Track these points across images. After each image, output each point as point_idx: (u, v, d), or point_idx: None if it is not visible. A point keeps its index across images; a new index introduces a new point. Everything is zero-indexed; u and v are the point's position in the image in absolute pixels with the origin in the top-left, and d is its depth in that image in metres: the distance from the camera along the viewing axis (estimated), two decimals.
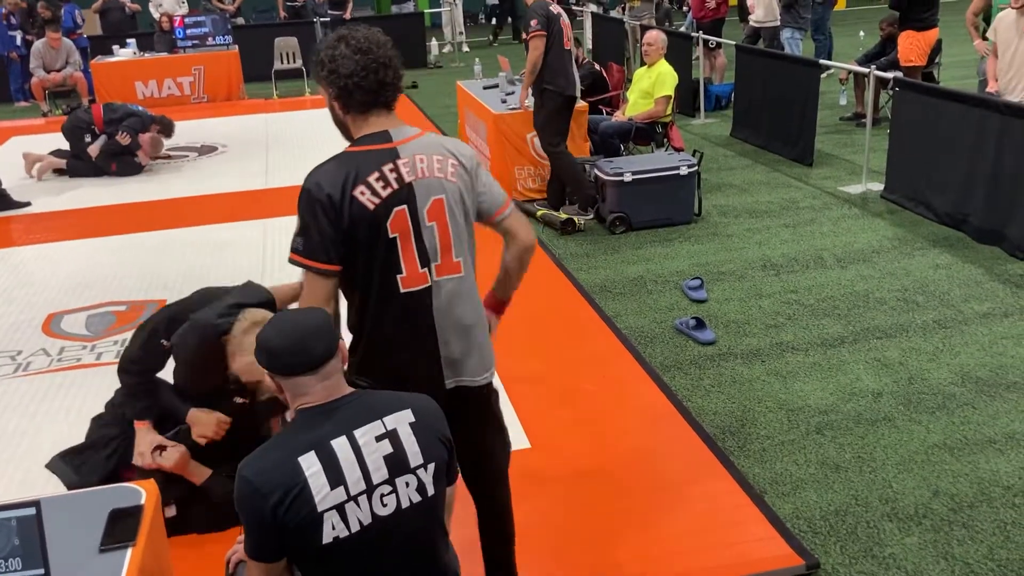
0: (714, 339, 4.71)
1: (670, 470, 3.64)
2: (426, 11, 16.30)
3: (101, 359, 4.75)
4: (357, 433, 2.01)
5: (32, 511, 1.92)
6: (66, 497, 2.25)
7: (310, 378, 2.03)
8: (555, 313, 5.15)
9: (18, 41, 12.60)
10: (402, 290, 2.39)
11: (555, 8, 6.30)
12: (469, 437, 2.59)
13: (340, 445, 1.99)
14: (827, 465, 3.61)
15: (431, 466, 2.07)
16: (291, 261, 2.37)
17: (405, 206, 2.36)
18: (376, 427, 2.04)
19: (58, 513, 2.13)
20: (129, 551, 2.07)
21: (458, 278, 2.49)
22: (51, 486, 3.52)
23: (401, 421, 2.07)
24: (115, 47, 12.38)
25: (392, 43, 2.45)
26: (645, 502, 3.44)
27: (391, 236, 2.35)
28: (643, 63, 7.53)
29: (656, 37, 7.35)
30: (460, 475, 2.35)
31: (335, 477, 1.96)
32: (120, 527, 2.13)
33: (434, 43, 15.02)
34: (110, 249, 6.58)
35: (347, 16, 14.13)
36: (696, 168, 6.40)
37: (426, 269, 2.41)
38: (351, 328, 2.51)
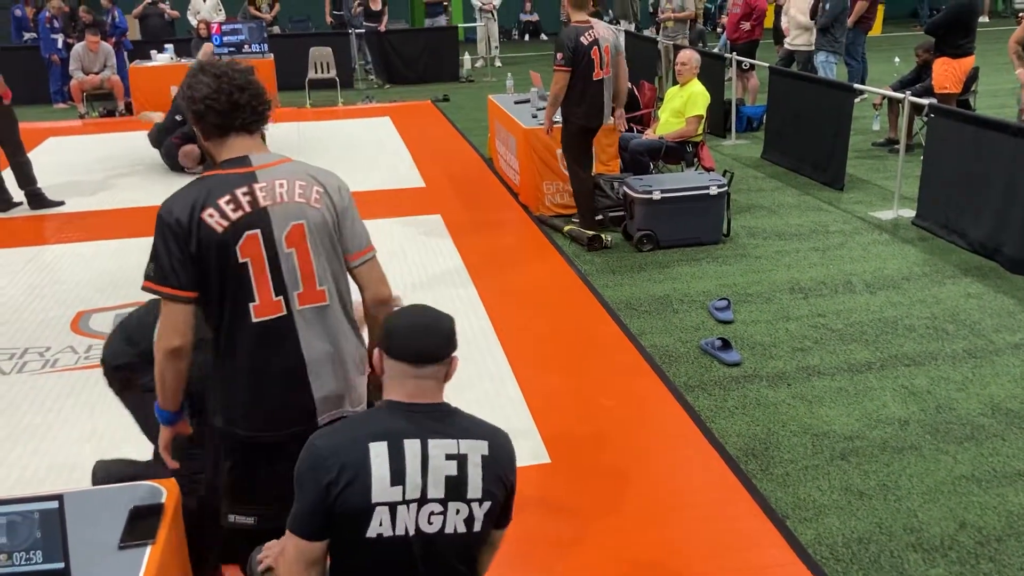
0: (740, 360, 4.67)
1: (691, 491, 3.60)
2: (460, 25, 16.38)
3: None
4: (431, 443, 2.00)
5: (55, 505, 1.94)
6: (88, 492, 2.26)
7: (406, 368, 2.03)
8: (579, 328, 5.13)
9: (59, 44, 12.81)
10: (254, 319, 2.31)
11: (590, 36, 6.09)
12: None
13: (412, 447, 1.98)
14: (851, 492, 3.56)
15: (486, 504, 2.05)
16: (144, 288, 2.30)
17: (258, 231, 2.30)
18: (450, 445, 2.02)
19: (80, 508, 2.14)
20: (148, 549, 2.07)
21: (323, 307, 2.39)
22: (74, 480, 3.55)
23: (475, 450, 2.04)
24: (153, 52, 12.56)
25: (253, 71, 2.43)
26: (664, 522, 3.41)
27: (241, 260, 2.29)
28: (675, 82, 7.52)
29: (690, 57, 7.34)
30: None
31: (398, 474, 1.95)
32: (140, 525, 2.14)
33: (467, 57, 15.10)
34: (140, 249, 6.61)
35: (382, 28, 14.24)
36: (726, 188, 6.37)
37: (281, 297, 2.33)
38: (215, 371, 2.41)
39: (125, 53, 13.01)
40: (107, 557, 2.04)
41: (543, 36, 20.53)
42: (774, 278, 5.80)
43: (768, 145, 8.93)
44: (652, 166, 7.38)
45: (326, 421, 2.39)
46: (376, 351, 2.11)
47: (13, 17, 14.41)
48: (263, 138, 2.48)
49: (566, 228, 6.66)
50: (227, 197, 2.28)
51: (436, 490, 1.99)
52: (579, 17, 6.22)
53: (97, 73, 12.12)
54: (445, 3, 15.99)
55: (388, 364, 2.06)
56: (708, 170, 7.12)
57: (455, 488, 2.01)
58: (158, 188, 8.38)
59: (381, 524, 1.94)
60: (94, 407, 4.27)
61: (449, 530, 2.01)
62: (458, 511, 2.01)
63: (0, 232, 7.25)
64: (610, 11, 15.09)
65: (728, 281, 5.77)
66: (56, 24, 12.89)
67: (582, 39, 6.10)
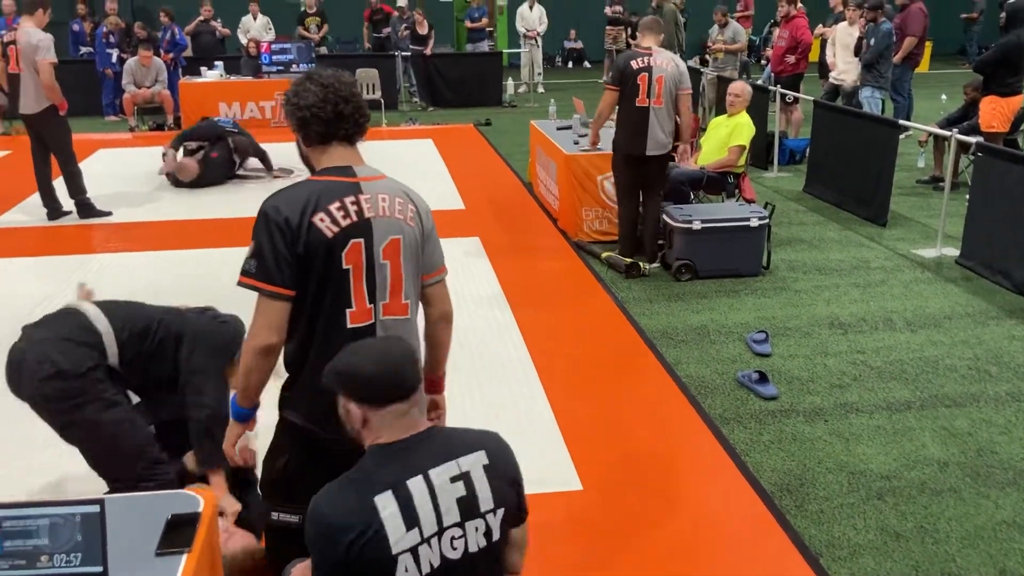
0: (776, 394, 4.62)
1: (723, 524, 3.56)
2: (505, 51, 16.52)
3: None
4: (432, 473, 1.98)
5: (96, 509, 1.96)
6: (128, 498, 2.29)
7: (401, 406, 2.01)
8: (614, 356, 5.12)
9: (113, 58, 13.13)
10: (349, 325, 2.36)
11: (643, 62, 6.10)
12: None
13: (416, 485, 1.96)
14: (887, 532, 3.50)
15: (500, 511, 2.05)
16: (241, 284, 2.33)
17: (362, 240, 2.35)
18: (451, 468, 2.01)
19: (120, 513, 2.17)
20: (184, 557, 2.09)
21: (404, 320, 2.46)
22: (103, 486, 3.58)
23: (475, 464, 2.04)
24: (203, 68, 12.82)
25: (356, 84, 2.49)
26: (695, 555, 3.37)
27: (344, 267, 2.34)
28: (718, 113, 7.51)
29: (743, 89, 7.33)
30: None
31: (411, 519, 1.93)
32: (177, 533, 2.16)
33: (510, 82, 15.21)
34: (181, 261, 6.76)
35: (427, 52, 14.42)
36: (767, 221, 6.34)
37: (372, 306, 2.39)
38: (288, 362, 2.45)
39: (180, 69, 13.28)
40: (144, 563, 2.06)
41: (587, 63, 20.62)
42: (814, 312, 5.75)
43: (811, 179, 8.88)
44: (692, 196, 7.36)
45: None
46: (352, 405, 2.03)
47: (71, 32, 14.80)
48: None
49: (604, 255, 6.66)
50: (337, 204, 2.33)
51: (451, 516, 1.98)
52: (644, 43, 6.26)
53: (148, 87, 12.39)
54: (489, 29, 16.15)
55: (377, 414, 2.00)
56: (749, 202, 7.09)
57: (468, 507, 2.00)
58: (202, 202, 8.53)
59: (407, 570, 1.92)
60: None
61: (472, 548, 2.00)
62: (476, 528, 2.01)
63: (48, 239, 7.42)
64: None
65: (767, 314, 5.73)
66: (112, 39, 13.23)
67: (632, 63, 6.14)
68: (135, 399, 3.21)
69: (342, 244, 2.32)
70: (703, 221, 6.24)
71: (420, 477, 1.97)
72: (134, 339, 3.11)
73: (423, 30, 14.37)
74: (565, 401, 4.53)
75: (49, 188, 7.84)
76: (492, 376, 4.81)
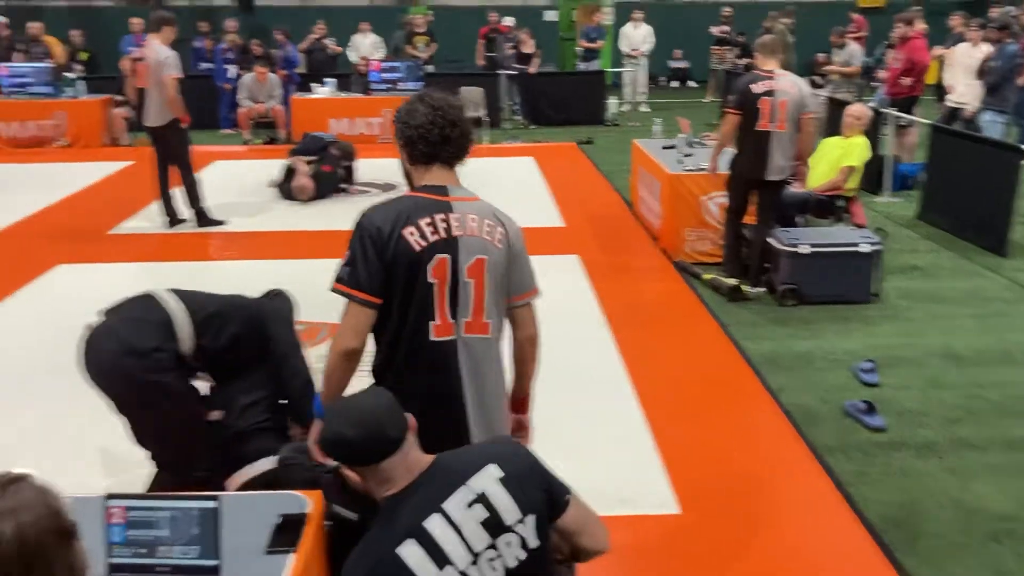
0: (885, 426, 4.46)
1: (826, 556, 3.46)
2: (609, 70, 16.52)
3: None
4: (447, 507, 1.96)
5: (213, 504, 2.04)
6: (241, 497, 2.38)
7: (393, 460, 2.00)
8: (716, 380, 5.03)
9: (231, 74, 13.68)
10: (432, 338, 2.43)
11: (764, 85, 5.95)
12: None
13: (435, 524, 1.94)
14: None
15: (530, 518, 2.01)
16: (334, 290, 2.44)
17: (448, 256, 2.42)
18: (464, 494, 1.98)
19: (233, 511, 2.24)
20: (292, 556, 2.15)
21: (485, 339, 2.51)
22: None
23: (488, 480, 2.01)
24: (314, 85, 13.22)
25: (464, 109, 2.57)
26: None
27: (430, 281, 2.41)
28: (830, 135, 7.33)
29: (863, 112, 7.14)
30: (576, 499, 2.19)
31: (440, 558, 1.92)
32: (287, 532, 2.22)
33: (613, 101, 15.20)
34: (292, 270, 6.95)
35: (531, 71, 14.54)
36: (878, 246, 6.15)
37: (454, 322, 2.45)
38: (374, 370, 2.53)
39: (293, 85, 13.74)
40: (254, 560, 2.13)
41: (692, 83, 20.43)
42: (926, 343, 5.53)
43: (925, 205, 8.56)
44: (800, 219, 7.20)
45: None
46: (346, 470, 2.08)
47: (193, 49, 15.49)
48: None
49: (707, 276, 6.57)
50: (427, 219, 2.42)
51: (480, 541, 1.96)
52: (765, 65, 6.11)
53: (263, 102, 12.86)
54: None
55: (373, 472, 2.01)
56: (860, 227, 6.89)
57: (494, 526, 1.98)
58: (311, 213, 8.79)
59: None
60: None
61: (512, 563, 1.98)
62: (509, 543, 1.98)
63: (166, 247, 7.76)
64: None
65: (876, 342, 5.54)
66: (230, 56, 13.79)
67: (753, 87, 5.99)
68: (202, 388, 3.35)
69: (428, 258, 2.40)
70: (811, 245, 6.09)
71: (436, 515, 1.95)
72: (208, 321, 3.27)
73: (528, 49, 14.51)
74: (664, 423, 4.47)
75: (168, 197, 8.20)
76: (589, 395, 4.79)
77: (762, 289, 6.37)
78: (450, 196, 2.49)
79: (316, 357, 3.38)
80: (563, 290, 6.44)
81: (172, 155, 8.00)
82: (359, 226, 2.44)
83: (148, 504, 2.01)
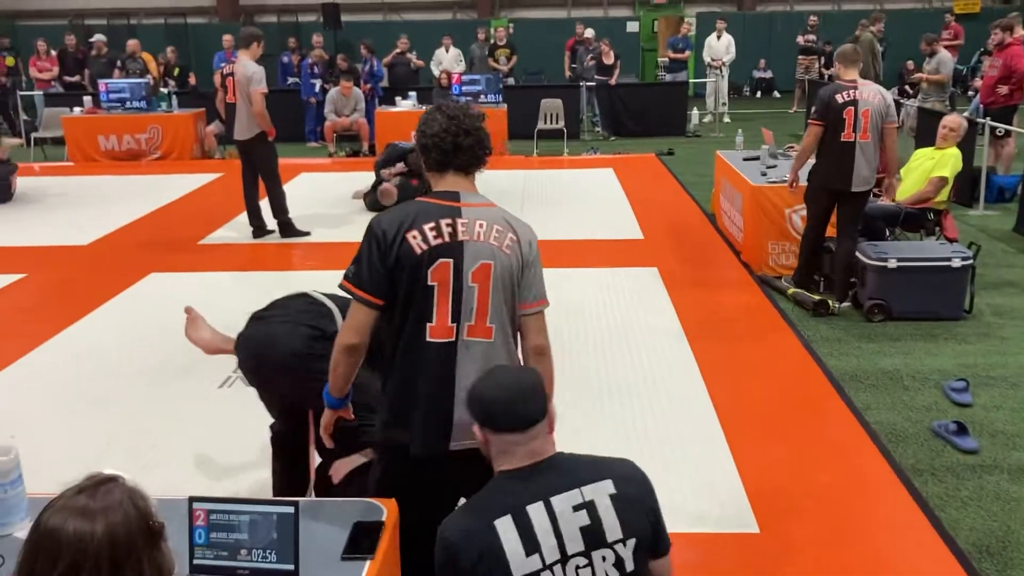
0: (977, 448, 4.29)
1: None
2: (691, 80, 16.38)
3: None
4: (554, 501, 2.01)
5: (291, 510, 2.08)
6: (318, 503, 2.42)
7: (518, 436, 2.06)
8: (798, 397, 4.91)
9: (316, 88, 14.02)
10: (428, 339, 2.48)
11: (848, 95, 5.88)
12: None
13: (536, 512, 1.99)
14: None
15: (631, 541, 2.02)
16: (340, 286, 2.54)
17: (451, 260, 2.47)
18: (574, 496, 2.02)
19: (310, 517, 2.28)
20: (367, 563, 2.17)
21: (487, 343, 2.52)
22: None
23: (600, 492, 2.04)
24: (397, 98, 13.45)
25: (483, 119, 2.64)
26: None
27: (429, 284, 2.46)
28: (918, 146, 7.11)
29: (958, 124, 6.91)
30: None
31: (531, 544, 1.96)
32: (362, 539, 2.25)
33: (695, 112, 15.05)
34: None
35: (612, 82, 14.50)
36: (971, 261, 5.92)
37: (455, 324, 2.48)
38: (383, 371, 2.60)
39: (377, 99, 14.00)
40: (330, 566, 2.16)
41: (776, 93, 20.10)
42: (1021, 362, 5.30)
43: (1022, 218, 8.22)
44: (888, 233, 6.99)
45: (457, 448, 2.49)
46: (475, 426, 2.16)
47: (280, 63, 15.94)
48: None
49: (790, 291, 6.43)
50: (431, 224, 2.48)
51: (574, 545, 1.98)
52: (847, 76, 6.04)
53: (348, 116, 13.13)
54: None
55: (495, 439, 2.09)
56: (951, 241, 6.65)
57: (593, 537, 1.99)
58: None
59: None
60: None
61: None
62: (604, 558, 1.99)
63: (253, 256, 7.98)
64: None
65: (968, 361, 5.33)
66: (316, 70, 14.14)
67: (837, 96, 5.93)
68: None
69: (428, 262, 2.46)
70: (899, 260, 5.90)
71: (540, 504, 2.00)
72: None
73: (609, 60, 14.48)
74: (744, 441, 4.39)
75: (256, 208, 8.43)
76: (667, 410, 4.73)
77: (847, 303, 6.21)
78: (461, 202, 2.54)
79: None
80: (641, 303, 6.40)
81: (260, 167, 8.23)
82: (370, 228, 2.53)
83: (229, 508, 2.06)
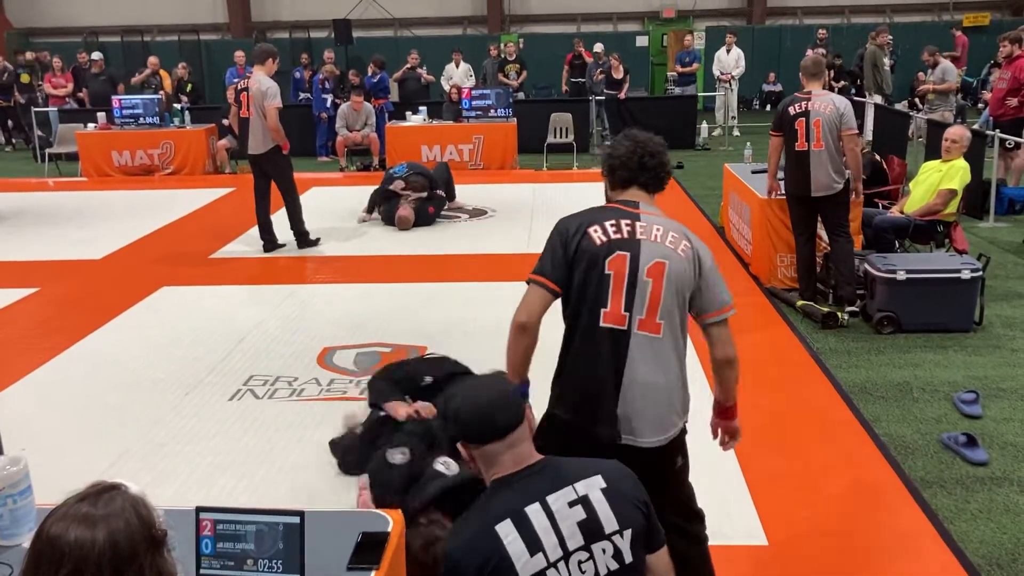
0: (987, 460, 4.27)
1: None
2: (700, 94, 16.40)
3: (364, 394, 5.11)
4: (550, 499, 2.06)
5: (296, 520, 2.09)
6: (324, 514, 2.42)
7: (497, 445, 2.12)
8: (807, 409, 4.90)
9: (328, 103, 14.11)
10: (602, 324, 2.63)
11: (800, 107, 6.11)
12: None
13: (534, 512, 2.04)
14: None
15: (627, 532, 2.08)
16: (527, 280, 2.71)
17: (628, 253, 2.65)
18: (568, 493, 2.08)
19: (316, 527, 2.30)
20: (372, 574, 2.18)
21: (656, 339, 2.66)
22: (300, 502, 3.80)
23: (592, 487, 2.10)
24: (408, 113, 13.52)
25: (665, 145, 2.86)
26: None
27: (606, 272, 2.63)
28: (928, 158, 7.10)
29: (961, 135, 6.91)
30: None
31: (533, 544, 2.01)
32: (368, 550, 2.26)
33: (704, 126, 15.06)
34: (383, 294, 7.11)
35: (621, 96, 14.54)
36: (981, 273, 5.91)
37: (628, 314, 2.63)
38: (559, 361, 2.76)
39: (387, 114, 14.07)
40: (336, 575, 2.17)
41: None
42: None
43: None
44: (898, 245, 6.98)
45: (623, 443, 2.64)
46: (460, 447, 2.23)
47: (293, 79, 16.06)
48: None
49: (799, 303, 6.42)
50: (612, 221, 2.70)
51: (574, 540, 2.03)
52: (808, 87, 6.24)
53: (359, 130, 13.21)
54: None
55: (478, 452, 2.15)
56: (961, 252, 6.64)
57: (591, 530, 2.05)
58: (404, 238, 8.96)
59: None
60: (332, 435, 4.57)
61: (603, 571, 2.04)
62: (604, 550, 2.05)
63: (265, 270, 8.02)
64: (859, 81, 14.55)
65: (978, 373, 5.32)
66: (327, 86, 14.23)
67: (790, 108, 6.22)
68: None
69: (607, 252, 2.64)
70: (908, 272, 5.89)
71: (537, 504, 2.05)
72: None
73: (618, 74, 14.52)
74: (753, 453, 4.37)
75: (267, 222, 8.49)
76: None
77: (855, 309, 6.19)
78: (640, 209, 2.74)
79: None
80: None
81: (277, 180, 8.28)
82: (555, 227, 2.75)
83: (235, 518, 2.08)
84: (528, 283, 2.70)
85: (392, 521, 2.40)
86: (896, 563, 3.52)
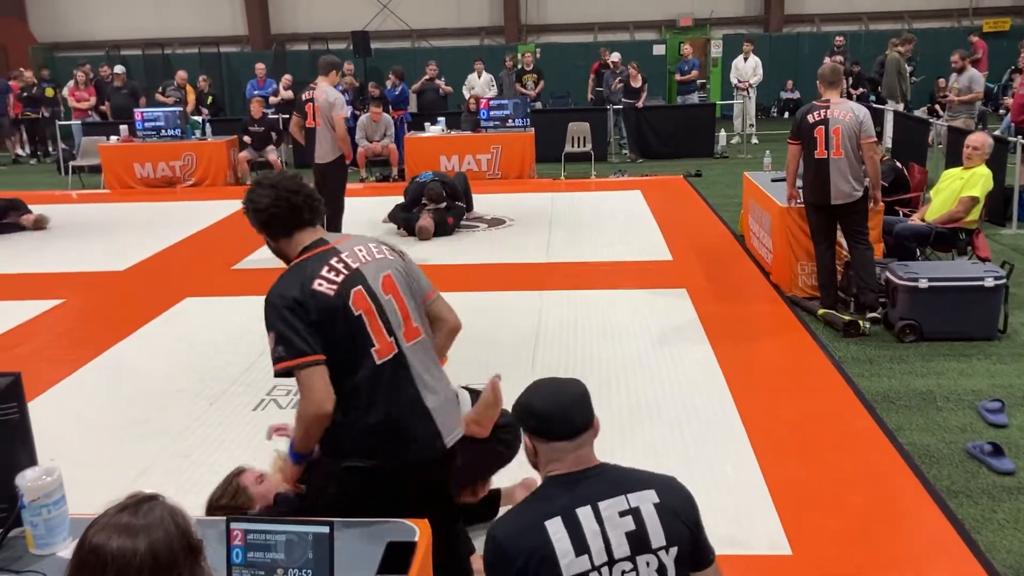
0: (1014, 469, 4.24)
1: None
2: (718, 102, 16.39)
3: None
4: (602, 505, 2.08)
5: (326, 530, 2.12)
6: (353, 523, 2.44)
7: (566, 444, 2.14)
8: (830, 418, 4.88)
9: (347, 115, 14.20)
10: (379, 361, 2.61)
11: (819, 115, 6.10)
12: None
13: (585, 514, 2.06)
14: None
15: (673, 549, 2.09)
16: (278, 373, 2.54)
17: (361, 286, 2.63)
18: (620, 502, 2.09)
19: (345, 536, 2.32)
20: None
21: (420, 340, 2.74)
22: None
23: (644, 500, 2.11)
24: (427, 124, 13.59)
25: (300, 177, 2.80)
26: None
27: (356, 314, 2.59)
28: (949, 165, 7.08)
29: (983, 142, 6.88)
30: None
31: (580, 545, 2.03)
32: (395, 558, 2.28)
33: (722, 133, 15.06)
34: None
35: (639, 105, 14.56)
36: (1004, 281, 5.87)
37: (392, 338, 2.65)
38: (342, 416, 2.59)
39: (406, 124, 14.15)
40: None
41: None
42: None
43: None
44: (919, 253, 6.95)
45: (452, 443, 2.73)
46: (525, 437, 2.25)
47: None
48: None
49: (821, 312, 6.40)
50: (326, 268, 2.63)
51: (621, 549, 2.04)
52: (826, 94, 6.25)
53: (378, 141, 13.29)
54: (702, 81, 16.12)
55: (544, 447, 2.17)
56: (983, 260, 6.60)
57: (638, 542, 2.06)
58: (424, 248, 9.00)
59: None
60: None
61: None
62: (648, 563, 2.06)
63: None
64: (879, 89, 14.50)
65: (1003, 381, 5.28)
66: (347, 97, 14.32)
67: (808, 117, 6.21)
68: None
69: (346, 296, 2.59)
70: (930, 279, 5.86)
71: (589, 507, 2.07)
72: None
73: (636, 83, 14.55)
74: (776, 462, 4.37)
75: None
76: (698, 431, 4.73)
77: (876, 315, 6.16)
78: (330, 243, 2.71)
79: None
80: (671, 324, 6.39)
81: (330, 187, 8.27)
82: (270, 305, 2.58)
83: (266, 528, 2.10)
84: (298, 372, 2.51)
85: (419, 530, 2.42)
86: (922, 573, 3.50)
